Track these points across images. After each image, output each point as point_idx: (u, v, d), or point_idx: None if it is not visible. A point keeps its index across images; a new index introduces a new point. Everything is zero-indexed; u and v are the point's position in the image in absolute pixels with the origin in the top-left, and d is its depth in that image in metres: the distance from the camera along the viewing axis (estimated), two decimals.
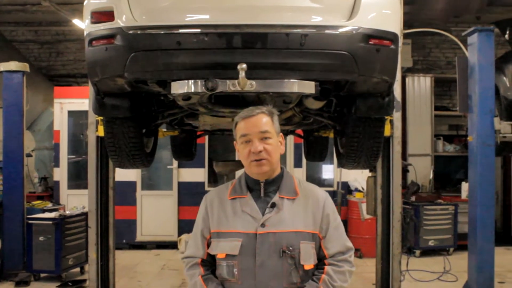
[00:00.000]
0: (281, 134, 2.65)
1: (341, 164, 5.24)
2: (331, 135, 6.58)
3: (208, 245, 2.59)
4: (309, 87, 3.69)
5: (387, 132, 6.11)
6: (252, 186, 2.60)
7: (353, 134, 4.54)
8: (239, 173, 10.20)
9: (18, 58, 9.48)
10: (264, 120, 2.55)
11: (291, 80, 3.61)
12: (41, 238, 7.89)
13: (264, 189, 2.57)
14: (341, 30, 3.64)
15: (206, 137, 9.70)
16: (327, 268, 2.52)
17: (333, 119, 4.89)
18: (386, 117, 4.91)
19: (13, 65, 8.42)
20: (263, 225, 2.46)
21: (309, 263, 2.48)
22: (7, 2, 12.64)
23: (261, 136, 2.52)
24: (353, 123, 4.46)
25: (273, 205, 2.51)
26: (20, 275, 7.90)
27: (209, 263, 2.61)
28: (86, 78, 6.89)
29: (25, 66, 8.51)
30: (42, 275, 8.08)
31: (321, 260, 2.56)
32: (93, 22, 3.77)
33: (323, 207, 2.58)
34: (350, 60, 3.61)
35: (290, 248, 2.44)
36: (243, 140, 2.55)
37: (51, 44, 13.54)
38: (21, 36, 13.54)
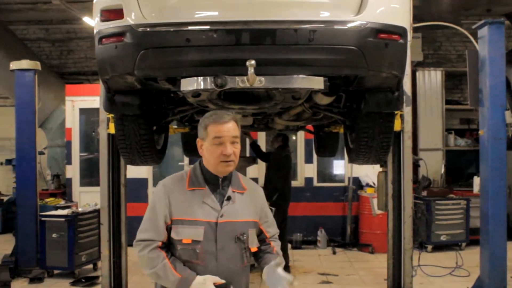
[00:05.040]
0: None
1: (351, 159, 5.24)
2: (342, 131, 6.58)
3: (167, 230, 2.82)
4: (318, 82, 3.69)
5: (397, 127, 6.12)
6: (209, 179, 2.88)
7: (362, 129, 4.53)
8: (250, 169, 10.28)
9: (30, 57, 9.55)
10: (234, 126, 2.84)
11: (300, 75, 3.62)
12: (54, 235, 7.95)
13: (221, 184, 2.88)
14: (349, 25, 3.64)
15: None
16: (272, 243, 3.07)
17: (343, 115, 4.89)
18: (396, 112, 4.91)
19: (24, 63, 8.47)
20: (222, 215, 2.80)
21: (254, 247, 2.91)
22: (18, 1, 12.72)
23: (232, 140, 2.81)
24: (362, 118, 4.45)
25: (229, 198, 2.85)
26: (34, 272, 7.97)
27: (166, 247, 2.84)
28: (97, 75, 6.92)
29: (36, 64, 8.56)
30: (55, 271, 8.15)
31: (262, 241, 3.03)
32: (102, 20, 3.80)
33: (262, 200, 3.05)
34: (359, 55, 3.61)
35: (242, 234, 2.84)
36: (216, 142, 2.79)
37: (62, 42, 13.62)
38: (32, 35, 13.63)
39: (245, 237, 2.84)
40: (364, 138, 4.56)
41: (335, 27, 3.63)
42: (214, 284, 2.69)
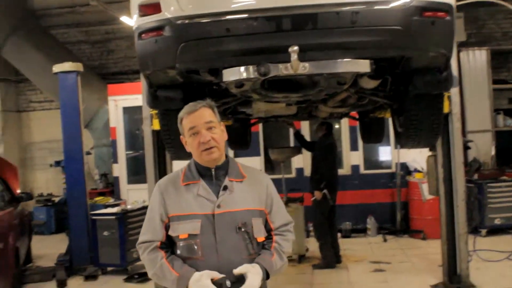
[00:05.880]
0: (221, 122, 2.79)
1: (400, 144, 5.12)
2: (387, 116, 6.44)
3: (166, 228, 2.74)
4: (364, 65, 3.60)
5: (445, 108, 5.94)
6: (203, 172, 2.77)
7: (411, 112, 4.41)
8: (295, 159, 10.22)
9: (72, 59, 9.67)
10: (207, 112, 2.73)
11: (345, 59, 3.53)
12: (105, 233, 8.06)
13: (215, 174, 2.76)
14: (393, 4, 3.53)
15: (260, 125, 9.68)
16: (275, 238, 2.83)
17: (389, 98, 4.76)
18: (444, 93, 4.76)
19: (67, 65, 8.60)
20: (218, 206, 2.67)
21: (260, 236, 2.75)
22: (58, 6, 12.97)
23: (207, 127, 2.70)
24: (410, 101, 4.33)
25: (225, 188, 2.72)
26: (88, 270, 8.11)
27: (166, 246, 2.76)
28: (138, 74, 6.96)
29: (78, 66, 8.67)
30: (109, 268, 8.27)
31: (268, 232, 2.82)
32: (141, 15, 3.79)
33: (266, 187, 2.84)
34: (404, 35, 3.50)
35: (244, 224, 2.68)
36: (191, 133, 2.71)
37: (101, 43, 13.80)
38: (72, 38, 13.84)
39: (248, 227, 2.68)
40: (413, 121, 4.44)
41: (378, 7, 3.52)
42: (212, 280, 2.56)
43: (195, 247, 2.65)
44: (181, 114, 2.76)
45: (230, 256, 2.64)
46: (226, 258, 2.63)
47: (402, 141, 4.91)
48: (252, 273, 2.61)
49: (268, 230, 2.82)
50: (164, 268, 2.66)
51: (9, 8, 12.47)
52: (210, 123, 2.70)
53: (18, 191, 8.76)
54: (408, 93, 4.23)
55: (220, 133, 2.73)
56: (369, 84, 4.22)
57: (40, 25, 13.18)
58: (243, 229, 2.67)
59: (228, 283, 2.56)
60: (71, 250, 8.50)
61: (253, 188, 2.78)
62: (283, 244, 2.82)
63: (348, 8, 3.46)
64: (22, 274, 7.77)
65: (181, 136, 2.80)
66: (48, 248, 10.22)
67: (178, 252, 2.70)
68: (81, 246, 8.41)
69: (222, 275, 2.58)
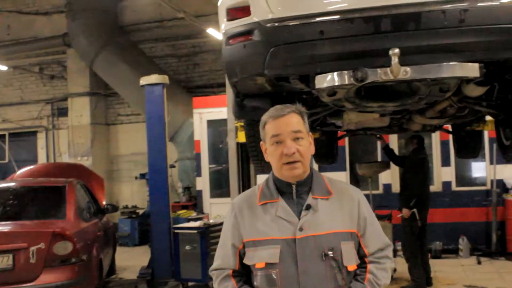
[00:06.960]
0: (310, 133, 2.42)
1: (506, 158, 4.70)
2: (486, 128, 6.01)
3: (241, 255, 2.43)
4: (473, 70, 3.27)
5: None
6: (282, 189, 2.40)
7: None
8: (382, 175, 9.83)
9: (158, 73, 9.77)
10: (295, 119, 2.35)
11: (451, 63, 3.21)
12: (187, 247, 7.99)
13: (296, 191, 2.39)
14: (505, 0, 3.18)
15: (346, 139, 9.36)
16: (369, 266, 2.42)
17: (495, 108, 4.36)
18: None
19: (153, 78, 8.66)
20: (301, 229, 2.31)
21: (352, 264, 2.36)
22: (146, 21, 13.29)
23: (294, 136, 2.33)
24: None
25: (308, 207, 2.34)
26: (170, 284, 8.12)
27: (240, 274, 2.45)
28: (223, 87, 6.90)
29: (164, 78, 8.71)
30: (190, 283, 8.22)
31: (361, 259, 2.43)
32: (229, 20, 3.67)
33: (358, 204, 2.43)
34: None
35: (332, 250, 2.30)
36: (274, 141, 2.35)
37: (187, 56, 14.00)
38: (160, 52, 14.12)
39: (336, 253, 2.31)
40: None
41: (489, 3, 3.21)
42: None
43: (274, 277, 2.31)
44: (265, 117, 2.40)
45: None
46: None
47: (509, 155, 4.48)
48: None
49: (362, 256, 2.43)
50: None
51: (101, 24, 12.92)
52: (298, 132, 2.34)
53: (104, 202, 8.87)
54: None
55: (307, 146, 2.37)
56: (475, 91, 3.85)
57: (129, 40, 13.56)
58: (330, 256, 2.29)
59: None
60: (153, 263, 8.49)
61: (342, 206, 2.40)
62: (379, 275, 2.42)
63: (456, 5, 3.16)
64: (105, 286, 7.80)
65: (261, 142, 2.46)
66: (131, 260, 10.34)
67: (255, 283, 2.39)
68: (163, 259, 8.37)
69: None
